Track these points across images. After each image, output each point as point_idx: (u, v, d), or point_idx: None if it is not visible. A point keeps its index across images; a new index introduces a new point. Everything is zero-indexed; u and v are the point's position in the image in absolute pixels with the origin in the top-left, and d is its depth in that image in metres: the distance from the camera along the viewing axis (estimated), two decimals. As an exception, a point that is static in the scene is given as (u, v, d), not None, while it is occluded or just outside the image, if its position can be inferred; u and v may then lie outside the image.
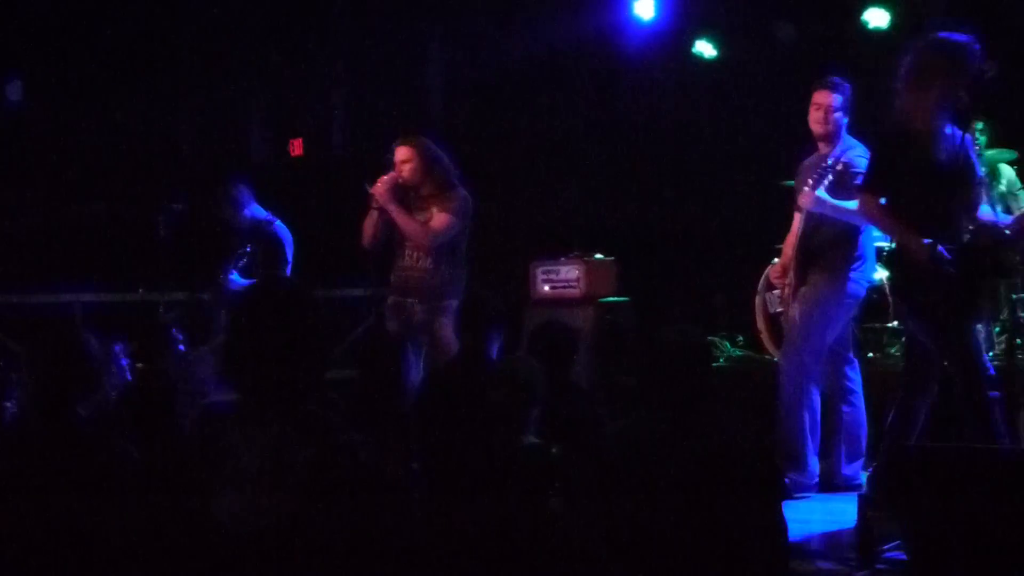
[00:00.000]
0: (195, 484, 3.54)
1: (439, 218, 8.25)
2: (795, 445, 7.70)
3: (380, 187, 8.27)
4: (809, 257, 7.76)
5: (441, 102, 13.13)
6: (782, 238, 8.22)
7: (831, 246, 7.72)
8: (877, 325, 9.42)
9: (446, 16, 12.66)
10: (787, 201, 8.15)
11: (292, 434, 3.47)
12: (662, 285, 11.86)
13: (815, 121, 7.79)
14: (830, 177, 7.64)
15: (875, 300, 8.67)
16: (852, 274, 7.76)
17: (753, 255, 10.11)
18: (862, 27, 10.75)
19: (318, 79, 13.50)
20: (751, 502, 4.51)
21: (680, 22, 11.86)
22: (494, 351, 6.81)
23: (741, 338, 10.34)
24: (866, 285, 7.97)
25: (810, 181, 7.73)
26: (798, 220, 7.91)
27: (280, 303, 3.64)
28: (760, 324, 9.53)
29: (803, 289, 7.78)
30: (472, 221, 8.42)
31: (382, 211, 8.28)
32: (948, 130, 6.59)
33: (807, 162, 7.95)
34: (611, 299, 10.60)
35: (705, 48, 11.78)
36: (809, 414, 7.73)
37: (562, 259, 10.71)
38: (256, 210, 9.48)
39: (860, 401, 7.92)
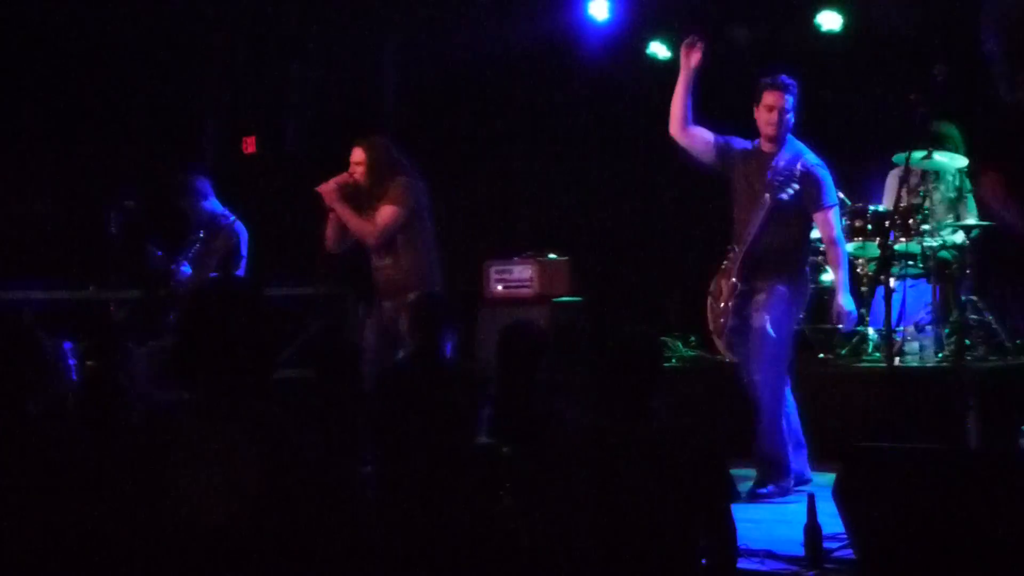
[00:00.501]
0: (145, 483, 3.53)
1: (383, 212, 8.21)
2: (779, 453, 7.64)
3: (327, 187, 8.25)
4: (759, 261, 7.72)
5: (395, 100, 13.10)
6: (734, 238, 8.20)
7: (789, 249, 7.71)
8: (827, 326, 9.47)
9: (400, 14, 12.63)
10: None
11: (241, 433, 3.46)
12: (615, 285, 11.87)
13: (769, 123, 7.71)
14: (796, 186, 7.63)
15: (827, 301, 8.72)
16: (808, 274, 7.77)
17: (705, 255, 10.15)
18: (815, 30, 10.79)
19: (272, 76, 13.45)
20: (700, 502, 4.53)
21: (635, 24, 11.86)
22: (447, 350, 6.81)
23: (693, 338, 10.36)
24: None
25: (767, 184, 7.69)
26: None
27: (230, 302, 3.63)
28: (712, 324, 9.56)
29: (760, 297, 7.69)
30: (426, 206, 8.39)
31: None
32: None
33: (749, 152, 7.87)
34: (564, 299, 10.61)
35: (659, 49, 11.80)
36: (787, 420, 7.70)
37: (515, 259, 10.71)
38: (215, 204, 9.46)
39: (790, 394, 7.88)
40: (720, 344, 8.19)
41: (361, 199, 8.33)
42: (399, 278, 8.20)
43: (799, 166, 7.67)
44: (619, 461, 4.50)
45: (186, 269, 9.33)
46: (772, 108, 7.69)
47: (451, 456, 5.22)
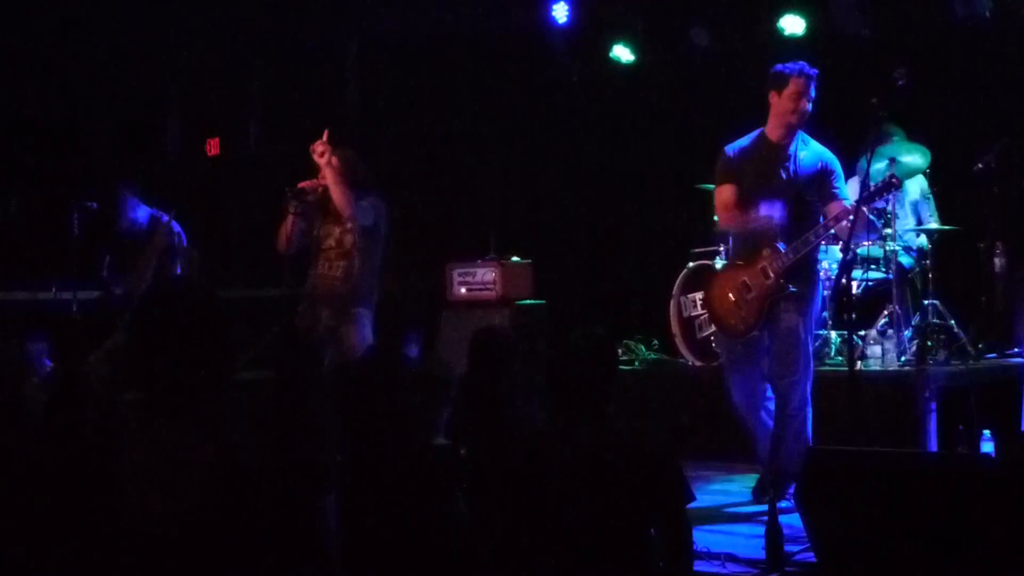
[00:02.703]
0: (97, 482, 3.51)
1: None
2: (795, 461, 7.05)
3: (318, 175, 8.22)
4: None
5: (358, 101, 13.08)
6: (697, 241, 8.16)
7: (811, 251, 7.40)
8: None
9: (363, 15, 12.62)
10: (703, 204, 7.96)
11: (190, 434, 3.44)
12: (578, 288, 11.88)
13: (797, 111, 7.36)
14: (818, 177, 7.38)
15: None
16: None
17: (669, 259, 10.17)
18: (778, 33, 10.81)
19: (235, 78, 13.42)
20: (655, 504, 4.52)
21: (598, 27, 11.89)
22: (412, 351, 6.80)
23: (656, 341, 10.36)
24: None
25: (784, 176, 7.38)
26: (758, 216, 7.35)
27: (177, 303, 3.61)
28: (674, 327, 9.57)
29: (790, 297, 7.31)
30: (385, 226, 8.36)
31: (297, 217, 8.23)
32: None
33: (752, 149, 7.49)
34: (527, 301, 10.61)
35: (623, 53, 11.82)
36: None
37: (478, 261, 10.71)
38: (144, 211, 9.35)
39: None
40: (683, 346, 8.05)
41: (327, 207, 8.31)
42: (344, 291, 8.13)
43: (822, 159, 7.43)
44: (574, 463, 4.47)
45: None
46: (803, 97, 7.35)
47: (407, 456, 5.20)
